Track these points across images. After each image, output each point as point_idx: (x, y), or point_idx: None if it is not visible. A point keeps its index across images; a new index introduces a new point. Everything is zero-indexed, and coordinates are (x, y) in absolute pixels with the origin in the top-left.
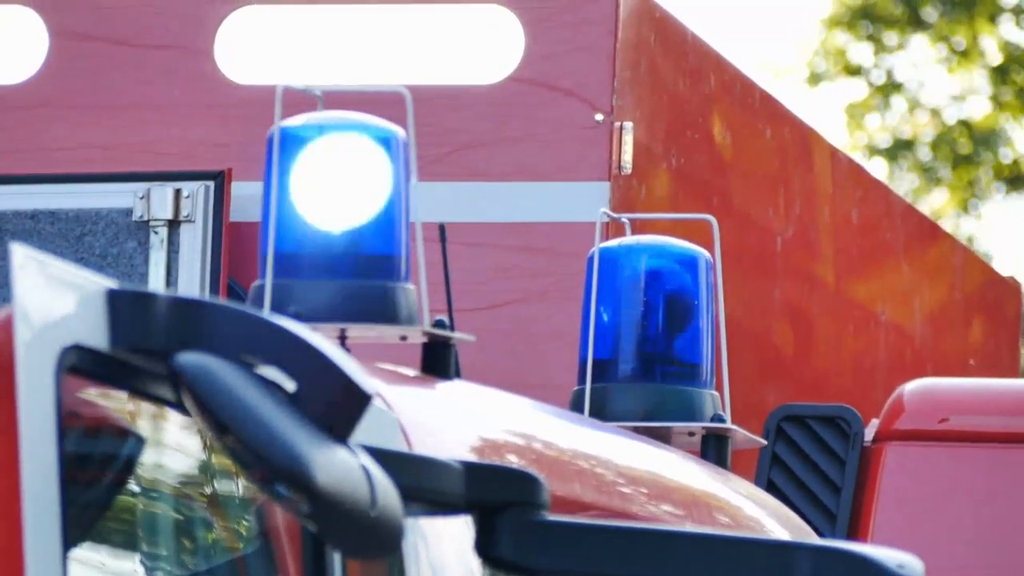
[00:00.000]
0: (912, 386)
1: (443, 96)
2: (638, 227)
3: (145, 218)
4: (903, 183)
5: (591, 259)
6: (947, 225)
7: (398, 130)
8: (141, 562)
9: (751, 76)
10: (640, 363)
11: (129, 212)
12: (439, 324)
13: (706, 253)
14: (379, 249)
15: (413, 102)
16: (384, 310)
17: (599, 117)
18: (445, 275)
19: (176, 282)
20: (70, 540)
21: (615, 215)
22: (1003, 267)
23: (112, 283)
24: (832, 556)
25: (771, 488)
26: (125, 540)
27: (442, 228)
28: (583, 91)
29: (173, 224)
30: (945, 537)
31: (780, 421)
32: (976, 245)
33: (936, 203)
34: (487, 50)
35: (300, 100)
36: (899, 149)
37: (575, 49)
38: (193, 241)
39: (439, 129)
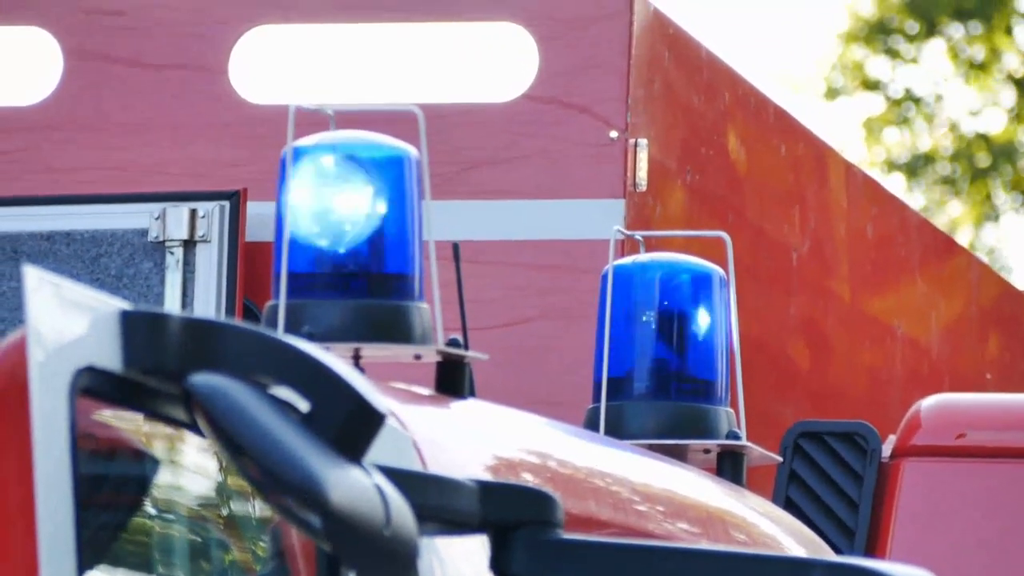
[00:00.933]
0: (929, 402)
1: (457, 114)
2: (653, 244)
3: (161, 239)
4: (921, 197)
5: (605, 276)
6: (966, 238)
7: (411, 149)
8: None
9: (766, 92)
10: (655, 381)
11: (145, 232)
12: (453, 343)
13: (720, 270)
14: (393, 268)
15: (427, 120)
16: (398, 329)
17: (613, 134)
18: (459, 293)
19: (192, 302)
20: (85, 561)
21: (629, 232)
22: (1022, 281)
23: (125, 304)
24: (847, 572)
25: (789, 505)
26: (139, 562)
27: (456, 247)
28: (597, 108)
29: (189, 244)
30: (963, 553)
31: (797, 438)
32: (995, 258)
33: (955, 217)
34: (501, 68)
35: (314, 120)
36: (917, 163)
37: (589, 66)
38: (209, 261)
39: (453, 147)
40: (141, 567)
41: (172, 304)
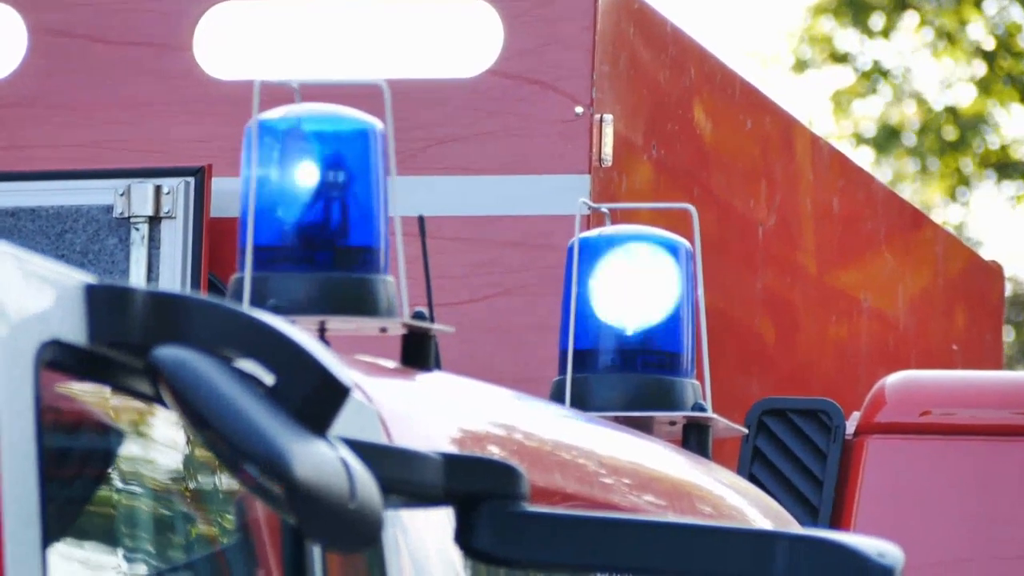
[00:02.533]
0: (893, 379)
1: (422, 90)
2: (620, 218)
3: (126, 215)
4: (890, 171)
5: (571, 249)
6: (936, 213)
7: (376, 123)
8: (121, 557)
9: (732, 66)
10: (621, 353)
11: (110, 209)
12: (418, 316)
13: (686, 242)
14: (358, 241)
15: (392, 96)
16: (363, 302)
17: (579, 110)
18: (425, 266)
19: (157, 278)
20: (50, 535)
21: (595, 205)
22: (992, 254)
23: (90, 278)
24: (812, 545)
25: (753, 481)
26: (105, 535)
27: (422, 220)
28: (562, 84)
29: (154, 220)
30: (927, 530)
31: (761, 415)
32: (965, 232)
33: (924, 191)
34: (466, 44)
35: (280, 95)
36: (886, 137)
37: (554, 42)
38: (174, 237)
39: (419, 123)
40: (107, 541)
41: (137, 280)
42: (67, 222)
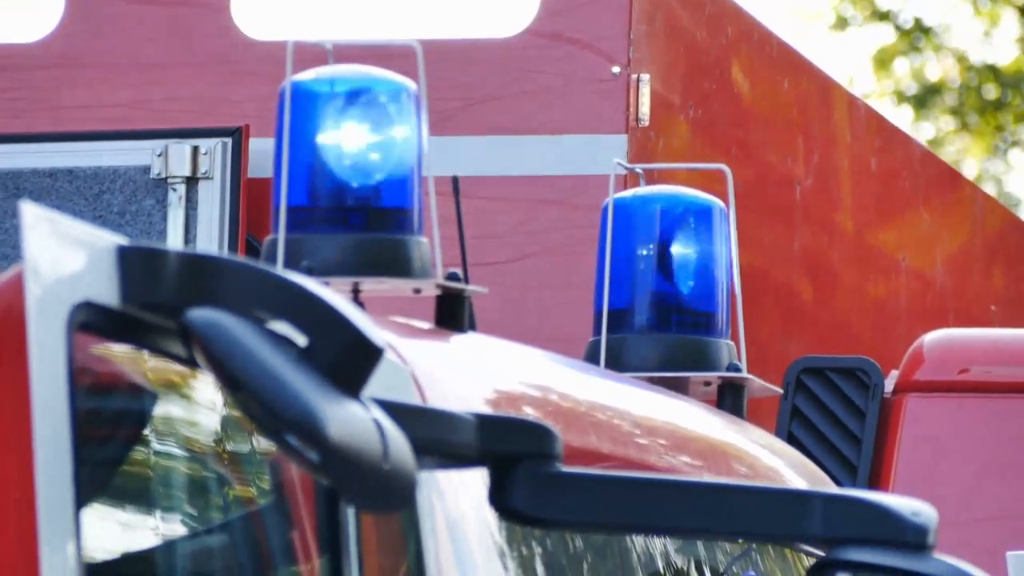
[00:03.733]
0: (931, 337)
1: (459, 50)
2: (656, 178)
3: (163, 175)
4: (931, 129)
5: (605, 209)
6: (975, 171)
7: (410, 83)
8: (155, 519)
9: (770, 25)
10: (655, 313)
11: (147, 170)
12: (452, 276)
13: (720, 202)
14: (391, 202)
15: (429, 56)
16: (397, 263)
17: (616, 70)
18: (459, 227)
19: (194, 239)
20: (83, 496)
21: (629, 166)
22: None
23: (122, 240)
24: (846, 504)
25: (791, 440)
26: (138, 497)
27: (455, 181)
28: (599, 44)
29: (191, 181)
30: (965, 488)
31: (800, 373)
32: (1004, 191)
33: (963, 149)
34: (503, 3)
35: (316, 55)
36: (927, 95)
37: (591, 2)
38: (211, 198)
39: (455, 83)
40: (140, 501)
41: (175, 241)
42: (104, 183)
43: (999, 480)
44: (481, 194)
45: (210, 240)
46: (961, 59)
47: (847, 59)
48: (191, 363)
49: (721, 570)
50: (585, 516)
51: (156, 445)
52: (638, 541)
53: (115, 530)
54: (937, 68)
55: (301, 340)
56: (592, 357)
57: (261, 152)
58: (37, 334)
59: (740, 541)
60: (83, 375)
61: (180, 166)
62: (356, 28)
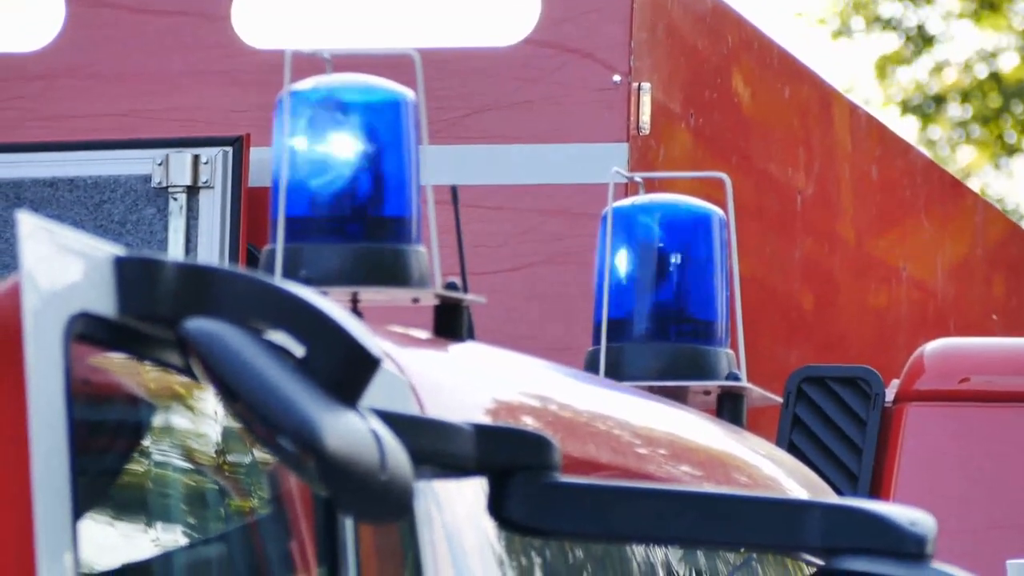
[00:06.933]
0: (932, 346)
1: (460, 59)
2: (656, 187)
3: (164, 184)
4: (939, 131)
5: (605, 218)
6: (978, 181)
7: (407, 92)
8: (152, 529)
9: (771, 34)
10: (655, 322)
11: (148, 179)
12: (451, 286)
13: (720, 211)
14: (389, 212)
15: (430, 66)
16: (395, 273)
17: (616, 78)
18: (458, 236)
19: (195, 248)
20: (80, 507)
21: (628, 175)
22: None
23: (120, 250)
24: (844, 513)
25: (792, 450)
26: (136, 507)
27: (454, 190)
28: (600, 52)
29: (192, 190)
30: (966, 497)
31: (800, 382)
32: (1005, 200)
33: (966, 158)
34: (503, 12)
35: (315, 65)
36: (929, 104)
37: (592, 10)
38: (212, 207)
39: (456, 92)
40: (138, 512)
41: (175, 250)
42: (105, 192)
43: (1000, 489)
44: (480, 203)
45: (211, 249)
46: (965, 68)
47: (849, 66)
48: (189, 373)
49: None
50: (583, 526)
51: (154, 455)
52: (637, 551)
53: (113, 541)
54: (939, 78)
55: (299, 350)
56: (591, 366)
57: (262, 161)
58: (34, 345)
59: (740, 551)
60: (81, 386)
61: (181, 175)
62: (358, 37)
